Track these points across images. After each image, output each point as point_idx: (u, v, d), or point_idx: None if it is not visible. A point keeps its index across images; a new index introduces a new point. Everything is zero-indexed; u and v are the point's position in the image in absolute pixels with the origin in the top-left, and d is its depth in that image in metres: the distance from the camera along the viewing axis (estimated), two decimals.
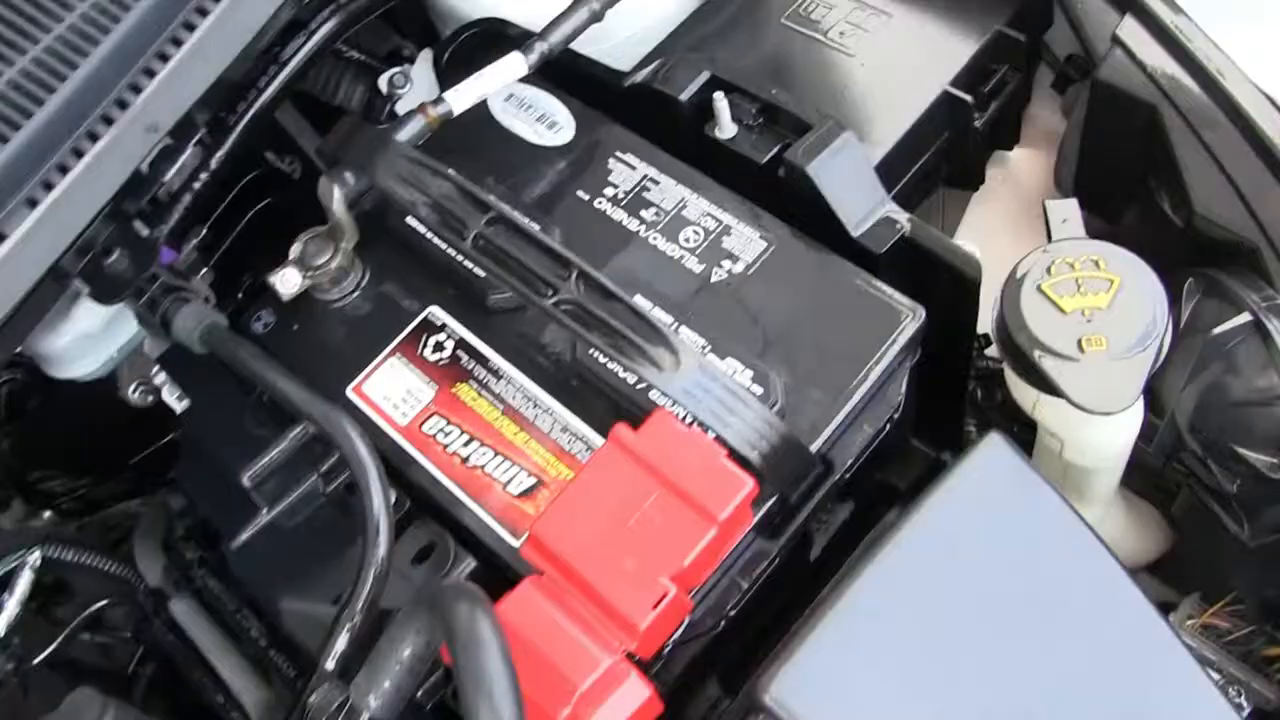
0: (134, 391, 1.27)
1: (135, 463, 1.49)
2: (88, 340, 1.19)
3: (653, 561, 0.92)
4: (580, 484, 0.96)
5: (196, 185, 1.06)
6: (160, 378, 1.15)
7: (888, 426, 1.07)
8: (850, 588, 0.93)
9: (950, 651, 0.93)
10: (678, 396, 0.97)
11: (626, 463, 0.95)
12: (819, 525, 1.12)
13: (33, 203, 0.98)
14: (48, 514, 1.51)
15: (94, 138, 0.99)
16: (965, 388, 1.23)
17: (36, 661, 1.28)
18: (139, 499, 1.52)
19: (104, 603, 1.32)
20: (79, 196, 0.98)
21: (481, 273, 1.12)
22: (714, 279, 1.10)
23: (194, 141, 1.02)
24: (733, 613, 1.03)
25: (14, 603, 1.30)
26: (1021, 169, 1.43)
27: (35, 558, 1.32)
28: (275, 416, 1.07)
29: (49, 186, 0.98)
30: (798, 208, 1.12)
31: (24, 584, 1.31)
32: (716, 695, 1.18)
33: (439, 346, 1.11)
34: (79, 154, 0.99)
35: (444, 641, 0.90)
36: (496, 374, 1.09)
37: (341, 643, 0.94)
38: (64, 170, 0.99)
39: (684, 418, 0.98)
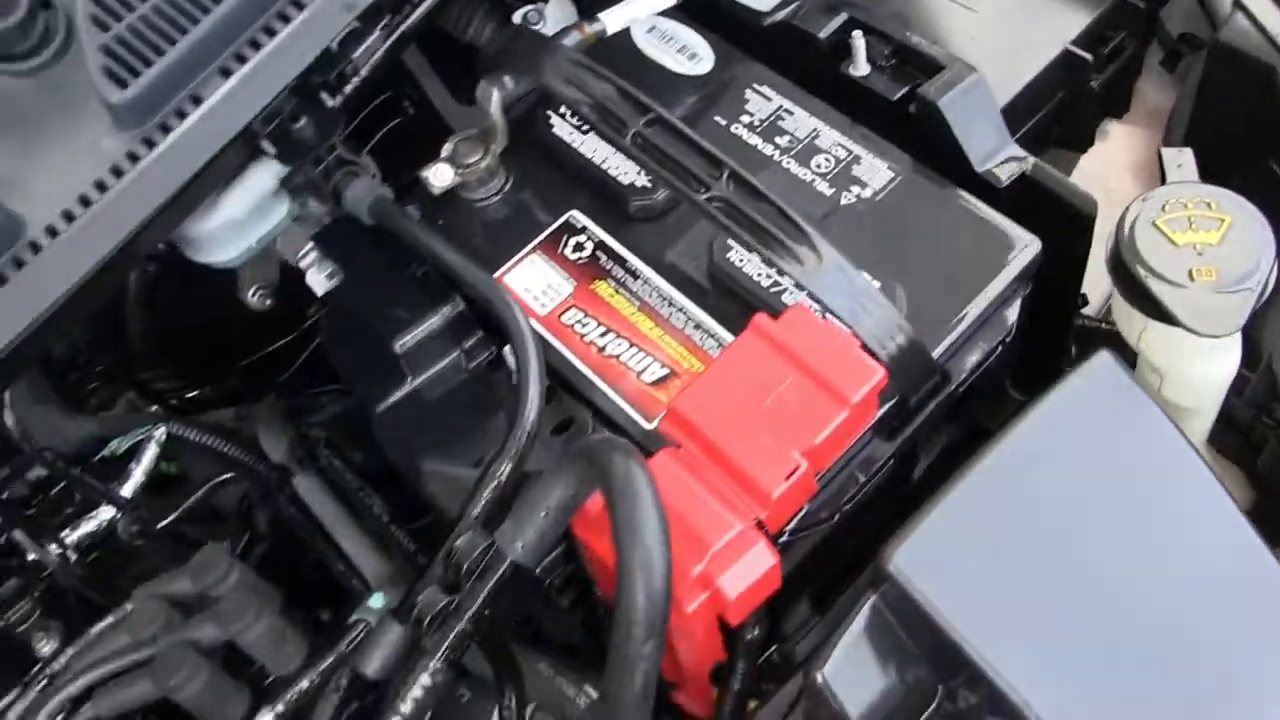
0: (253, 294, 1.34)
1: (242, 367, 1.57)
2: (232, 227, 1.25)
3: (787, 437, 0.98)
4: (720, 365, 1.03)
5: (367, 71, 1.12)
6: (309, 258, 1.22)
7: (999, 349, 1.14)
8: (972, 472, 0.99)
9: (1058, 545, 0.98)
10: (816, 291, 1.03)
11: (765, 349, 1.02)
12: (926, 445, 1.18)
13: (226, 72, 1.06)
14: (154, 410, 1.57)
15: (285, 19, 1.07)
16: (1068, 332, 1.29)
17: (160, 527, 1.34)
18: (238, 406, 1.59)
19: (224, 477, 1.38)
20: (272, 67, 1.05)
21: (625, 181, 1.19)
22: (843, 202, 1.17)
23: (380, 26, 1.09)
24: (847, 507, 1.09)
25: (140, 472, 1.37)
26: (1122, 143, 1.50)
27: (160, 433, 1.40)
28: (427, 292, 1.14)
29: (242, 59, 1.06)
30: (923, 144, 1.18)
31: (149, 456, 1.38)
32: (807, 615, 1.24)
33: (579, 247, 1.18)
34: (271, 32, 1.06)
35: (592, 494, 0.97)
36: (634, 274, 1.15)
37: (488, 493, 1.00)
38: (256, 46, 1.07)
39: (821, 314, 1.05)
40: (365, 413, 1.16)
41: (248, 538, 1.44)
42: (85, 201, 1.04)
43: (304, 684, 1.11)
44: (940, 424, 1.16)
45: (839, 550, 1.16)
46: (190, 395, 1.59)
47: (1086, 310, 1.37)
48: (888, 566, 0.97)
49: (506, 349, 1.09)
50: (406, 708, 0.97)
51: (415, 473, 1.10)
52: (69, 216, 1.03)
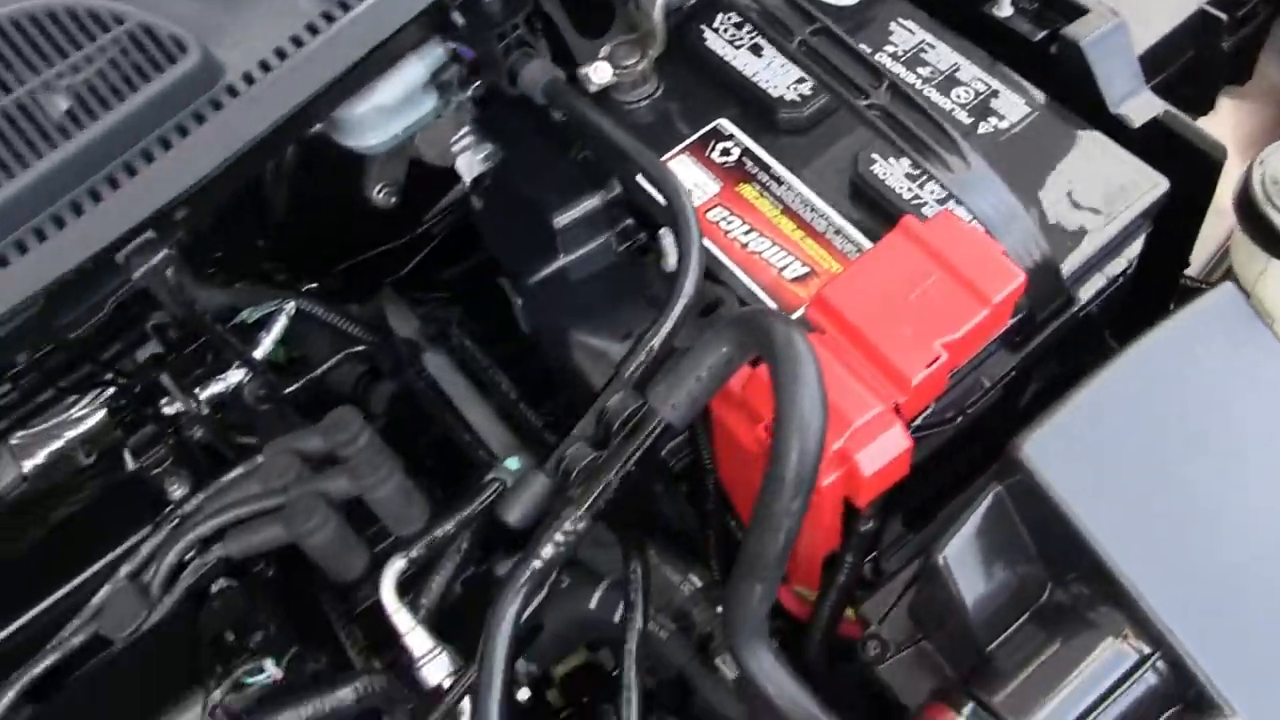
0: (379, 191, 1.40)
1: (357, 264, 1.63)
2: (382, 113, 1.29)
3: (929, 329, 1.04)
4: (867, 260, 1.09)
5: None
6: (464, 141, 1.27)
7: (1119, 280, 1.20)
8: (1102, 374, 1.04)
9: (1179, 453, 1.04)
10: (964, 196, 1.09)
11: (912, 247, 1.07)
12: (1038, 370, 1.23)
13: None
14: None
15: None
16: (1175, 284, 1.34)
17: (287, 391, 1.40)
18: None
19: (351, 350, 1.44)
20: None
21: (774, 94, 1.25)
22: (980, 131, 1.22)
23: None
24: (968, 412, 1.15)
25: (270, 340, 1.43)
26: (1232, 118, 1.55)
27: (291, 306, 1.45)
28: (587, 175, 1.19)
29: None
30: (1060, 85, 1.24)
31: (279, 326, 1.44)
32: (901, 532, 1.29)
33: (725, 152, 1.24)
34: None
35: (746, 360, 1.02)
36: (778, 180, 1.21)
37: (643, 357, 1.05)
38: None
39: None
40: (496, 297, 1.22)
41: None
42: (281, 54, 1.10)
43: (437, 533, 1.16)
44: (1055, 349, 1.21)
45: (946, 463, 1.21)
46: (307, 288, 1.64)
47: (1188, 272, 1.42)
48: (1018, 455, 1.03)
49: (664, 231, 1.14)
50: (547, 553, 1.02)
51: (561, 343, 1.16)
52: (265, 67, 1.09)
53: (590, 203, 1.18)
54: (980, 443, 1.18)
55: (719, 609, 1.22)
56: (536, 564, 1.02)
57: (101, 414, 1.69)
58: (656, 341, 1.06)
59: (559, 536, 1.02)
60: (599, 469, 1.03)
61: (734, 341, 1.01)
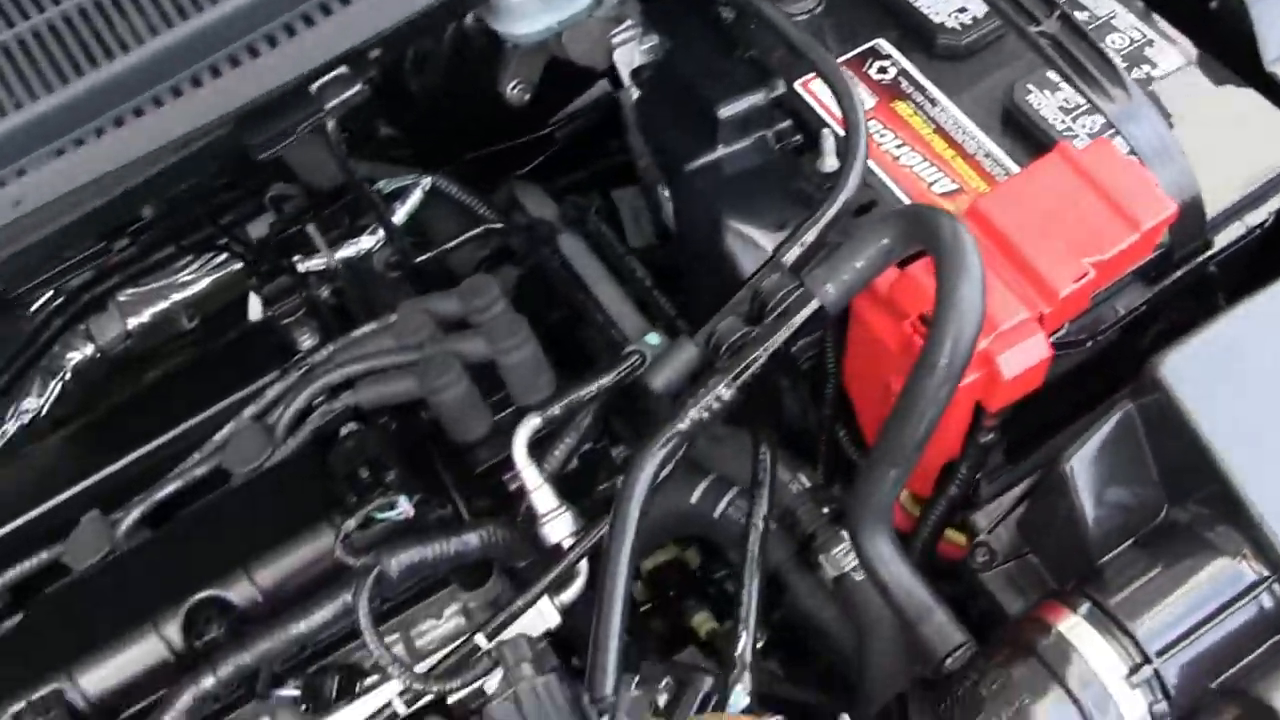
0: (513, 88, 1.44)
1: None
2: (539, 2, 1.33)
3: (1079, 247, 1.07)
4: (1021, 178, 1.12)
5: None
6: (627, 33, 1.31)
7: (1258, 231, 1.23)
8: (1246, 303, 1.08)
9: None
10: (1124, 127, 1.12)
11: (1067, 170, 1.11)
12: (1165, 311, 1.26)
13: None
14: None
15: None
16: None
17: (418, 261, 1.44)
18: None
19: (485, 228, 1.47)
20: None
21: (936, 20, 1.28)
22: (1134, 76, 1.25)
23: None
24: (1099, 338, 1.18)
25: (404, 211, 1.47)
26: None
27: (427, 181, 1.49)
28: (753, 72, 1.23)
29: None
30: (1215, 41, 1.27)
31: (415, 199, 1.48)
32: (999, 462, 1.32)
33: (882, 70, 1.27)
34: None
35: (905, 253, 1.06)
36: (932, 101, 1.25)
37: (803, 239, 1.09)
38: None
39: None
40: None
41: None
42: None
43: (574, 396, 1.19)
44: (1184, 293, 1.24)
45: (1065, 392, 1.23)
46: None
47: None
48: (1155, 374, 1.06)
49: (825, 132, 1.18)
50: (692, 415, 1.06)
51: (713, 228, 1.19)
52: None
53: (754, 99, 1.22)
54: (1098, 377, 1.22)
55: (825, 510, 1.26)
56: (681, 426, 1.06)
57: (207, 280, 1.74)
58: (816, 230, 1.09)
59: (704, 404, 1.06)
60: (749, 343, 1.07)
61: (897, 233, 1.04)
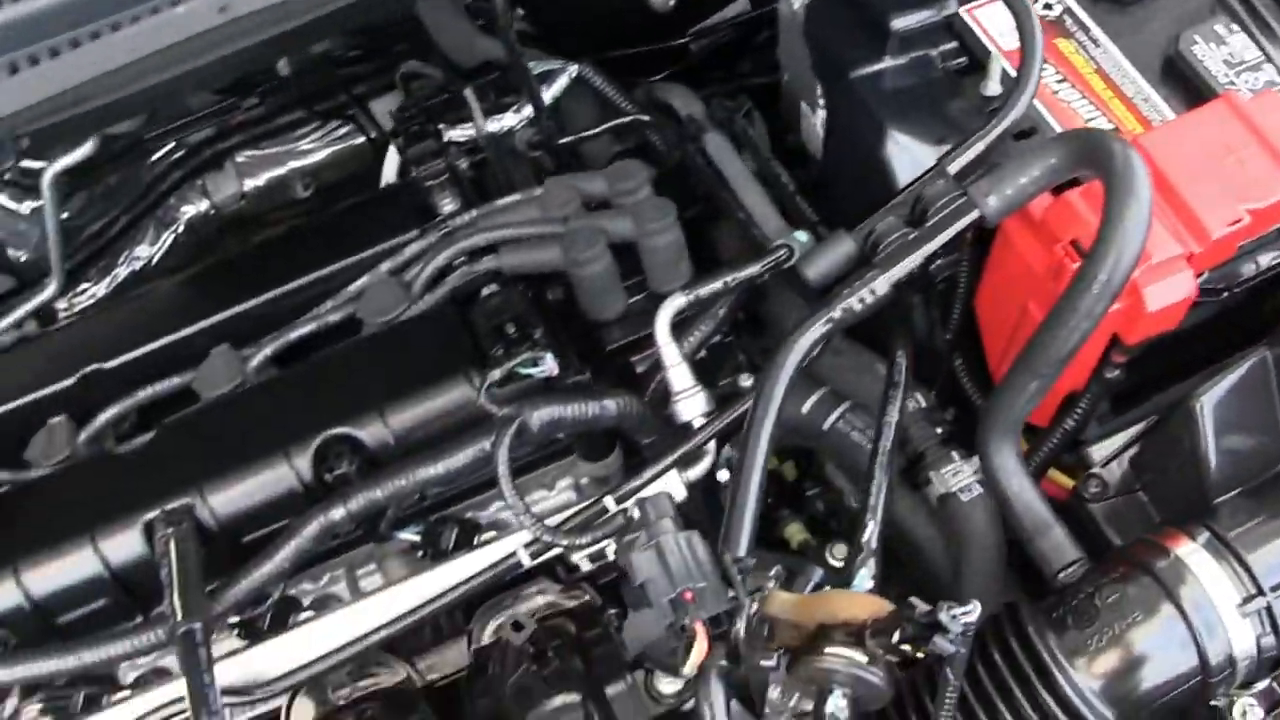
0: None
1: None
2: None
3: (1236, 193, 1.10)
4: (1185, 120, 1.15)
5: None
6: None
7: None
8: None
9: None
10: None
11: (1232, 117, 1.14)
12: None
13: None
14: None
15: None
16: None
17: (562, 142, 1.47)
18: None
19: (628, 119, 1.50)
20: None
21: None
22: None
23: None
24: (1237, 289, 1.20)
25: (549, 94, 1.50)
26: None
27: (574, 69, 1.52)
28: None
29: None
30: None
31: (560, 85, 1.51)
32: (1105, 411, 1.35)
33: (1048, 6, 1.30)
34: None
35: (1071, 174, 1.09)
36: (1095, 42, 1.27)
37: (966, 154, 1.12)
38: None
39: None
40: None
41: None
42: None
43: (723, 281, 1.22)
44: None
45: (1193, 342, 1.25)
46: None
47: None
48: None
49: (995, 54, 1.21)
50: (844, 304, 1.09)
51: (875, 136, 1.22)
52: None
53: (927, 14, 1.25)
54: (1220, 337, 1.24)
55: (938, 430, 1.28)
56: (835, 314, 1.09)
57: (326, 151, 1.77)
58: (984, 143, 1.12)
59: (859, 295, 1.09)
60: (908, 244, 1.10)
61: (1066, 154, 1.07)
